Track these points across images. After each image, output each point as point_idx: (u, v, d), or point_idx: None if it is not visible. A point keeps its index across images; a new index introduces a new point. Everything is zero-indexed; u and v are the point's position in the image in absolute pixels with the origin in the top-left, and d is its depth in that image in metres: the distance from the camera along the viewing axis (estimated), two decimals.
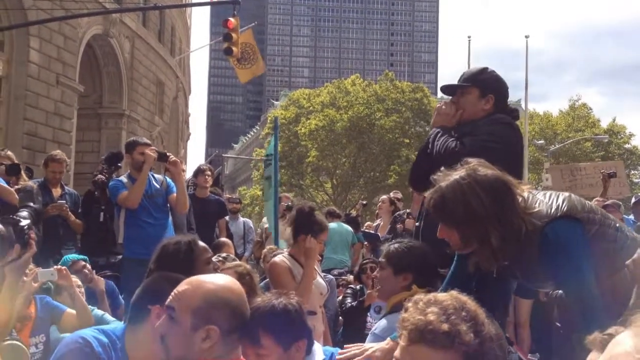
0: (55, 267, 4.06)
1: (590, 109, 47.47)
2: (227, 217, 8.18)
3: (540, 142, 37.70)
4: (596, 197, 8.31)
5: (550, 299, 4.82)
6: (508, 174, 3.61)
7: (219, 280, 2.16)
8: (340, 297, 6.44)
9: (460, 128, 3.54)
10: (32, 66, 18.05)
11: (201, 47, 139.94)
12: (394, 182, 39.02)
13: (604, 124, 46.85)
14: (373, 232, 8.64)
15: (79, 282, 4.18)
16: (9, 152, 7.06)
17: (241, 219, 9.76)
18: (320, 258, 5.12)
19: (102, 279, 4.79)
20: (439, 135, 3.52)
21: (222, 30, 16.17)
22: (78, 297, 3.99)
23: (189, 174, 8.45)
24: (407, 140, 42.77)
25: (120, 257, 6.47)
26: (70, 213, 6.69)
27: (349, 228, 9.10)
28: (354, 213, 11.05)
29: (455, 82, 3.72)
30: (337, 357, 2.62)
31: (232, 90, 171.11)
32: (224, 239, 6.74)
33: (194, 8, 41.72)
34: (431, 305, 1.64)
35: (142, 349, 2.38)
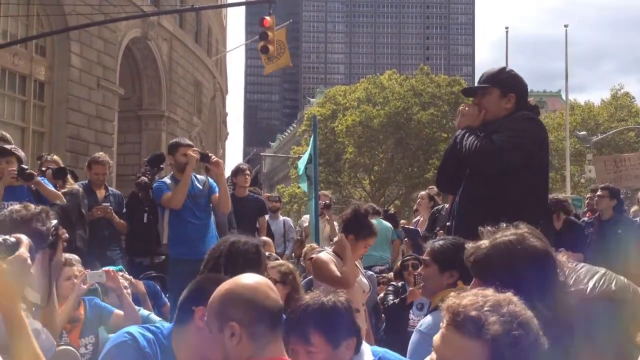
0: (103, 269, 4.16)
1: (633, 97, 46.33)
2: (267, 216, 8.23)
3: (582, 133, 36.94)
4: None
5: None
6: (535, 167, 3.68)
7: (233, 280, 2.20)
8: (381, 295, 6.42)
9: (485, 127, 3.64)
10: (74, 70, 18.40)
11: (237, 46, 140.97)
12: (432, 176, 38.68)
13: None
14: (413, 227, 8.60)
15: (126, 284, 4.26)
16: (55, 157, 7.23)
17: (281, 218, 9.80)
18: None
19: (141, 282, 4.86)
20: (466, 135, 3.62)
21: (257, 30, 16.27)
22: (125, 297, 4.07)
23: (227, 173, 8.51)
24: (445, 135, 42.33)
25: (164, 257, 6.58)
26: (114, 214, 6.81)
27: (389, 224, 9.07)
28: (392, 210, 10.96)
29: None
30: None
31: (268, 89, 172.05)
32: (264, 237, 6.77)
33: (229, 8, 42.05)
34: (474, 295, 1.62)
35: (188, 350, 2.42)
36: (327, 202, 8.90)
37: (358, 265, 4.77)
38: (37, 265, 2.85)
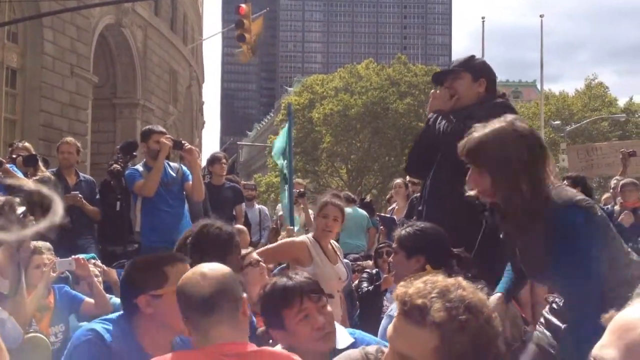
0: (72, 257, 4.10)
1: (607, 88, 46.87)
2: (243, 204, 8.19)
3: (556, 122, 37.32)
4: (615, 176, 8.26)
5: None
6: None
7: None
8: (356, 282, 6.45)
9: (458, 113, 3.67)
10: (47, 58, 18.11)
11: (213, 34, 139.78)
12: None
13: (621, 103, 46.32)
14: (389, 215, 8.63)
15: (97, 272, 4.22)
16: (27, 144, 7.12)
17: (257, 206, 9.77)
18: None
19: (113, 270, 4.81)
20: (439, 118, 3.69)
21: (233, 18, 16.15)
22: (96, 285, 4.04)
23: (203, 162, 8.45)
24: (422, 124, 42.39)
25: (136, 245, 6.51)
26: (85, 202, 6.66)
27: (364, 212, 9.10)
28: (368, 198, 10.99)
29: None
30: None
31: (245, 78, 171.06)
32: (239, 226, 6.73)
33: None
34: (423, 282, 1.58)
35: (149, 333, 2.47)
36: (302, 190, 8.88)
37: (337, 252, 4.79)
38: (5, 254, 2.81)
